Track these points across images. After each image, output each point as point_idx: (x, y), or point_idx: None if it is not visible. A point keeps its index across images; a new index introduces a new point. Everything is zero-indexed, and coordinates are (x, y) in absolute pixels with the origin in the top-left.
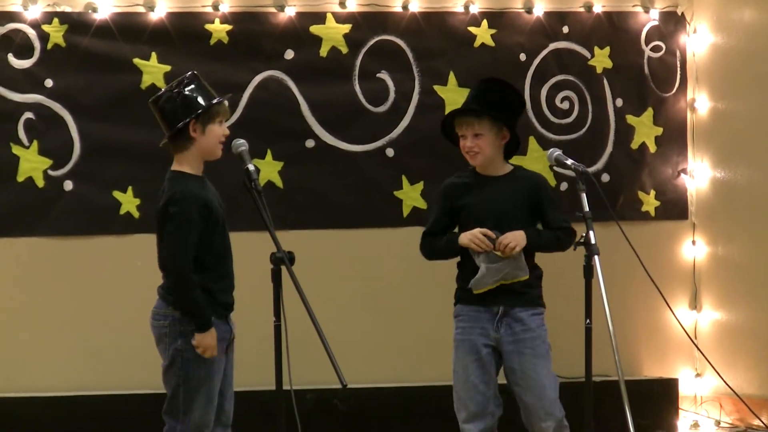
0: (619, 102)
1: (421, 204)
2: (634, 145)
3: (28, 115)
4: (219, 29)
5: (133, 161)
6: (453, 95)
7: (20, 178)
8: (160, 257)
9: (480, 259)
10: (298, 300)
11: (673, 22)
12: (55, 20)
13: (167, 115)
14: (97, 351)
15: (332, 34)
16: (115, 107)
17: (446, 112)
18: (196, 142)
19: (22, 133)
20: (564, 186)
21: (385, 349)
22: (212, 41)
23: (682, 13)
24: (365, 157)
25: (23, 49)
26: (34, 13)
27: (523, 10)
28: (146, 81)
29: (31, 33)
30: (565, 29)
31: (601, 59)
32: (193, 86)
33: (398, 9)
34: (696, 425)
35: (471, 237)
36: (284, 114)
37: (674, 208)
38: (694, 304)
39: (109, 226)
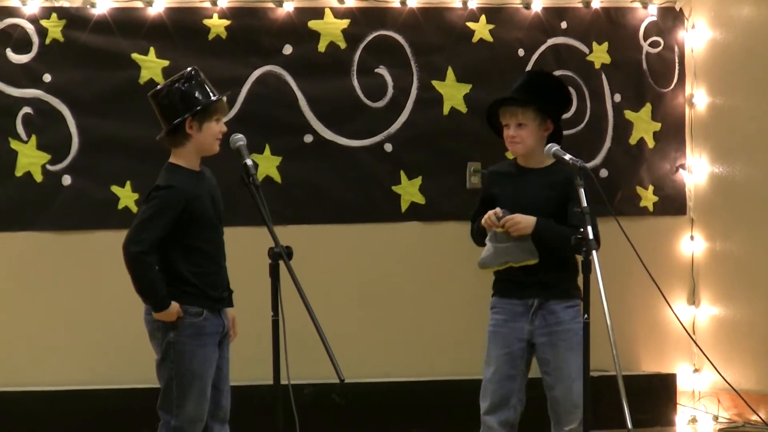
0: (618, 97)
1: (419, 199)
2: (633, 141)
3: (27, 109)
4: (217, 24)
5: (131, 156)
6: (451, 90)
7: (18, 173)
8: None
9: (489, 237)
10: (296, 295)
11: (672, 17)
12: (54, 15)
13: (165, 110)
14: (95, 345)
15: (330, 29)
16: (113, 102)
17: (444, 107)
18: (192, 138)
19: (20, 128)
20: None
21: (383, 344)
22: (210, 36)
23: (681, 9)
24: (363, 152)
25: (21, 44)
26: (32, 8)
27: (521, 6)
28: (144, 76)
29: (30, 28)
30: (564, 25)
31: (599, 55)
32: (192, 82)
33: (396, 4)
34: (694, 420)
35: (485, 216)
36: (282, 109)
37: (672, 203)
38: (693, 299)
39: (108, 220)
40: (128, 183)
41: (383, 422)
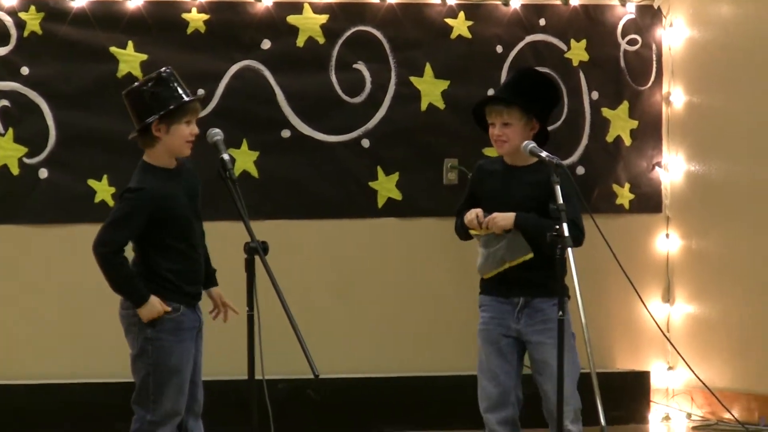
0: (595, 95)
1: (396, 195)
2: (610, 138)
3: (4, 102)
4: (196, 18)
5: (108, 150)
6: (429, 86)
7: None
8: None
9: (480, 244)
10: (271, 290)
11: (650, 15)
12: (32, 8)
13: (135, 110)
14: (73, 339)
15: (309, 24)
16: (91, 96)
17: (422, 103)
18: (161, 140)
19: None
20: None
21: (358, 340)
22: (189, 30)
23: (659, 7)
24: (341, 147)
25: (0, 36)
26: (11, 0)
27: (500, 3)
28: (123, 69)
29: (8, 20)
30: (542, 22)
31: (577, 52)
32: (163, 84)
33: (375, 0)
34: (667, 418)
35: (467, 216)
36: (260, 104)
37: (649, 201)
38: (667, 297)
39: (84, 214)
40: (105, 177)
41: (358, 418)
